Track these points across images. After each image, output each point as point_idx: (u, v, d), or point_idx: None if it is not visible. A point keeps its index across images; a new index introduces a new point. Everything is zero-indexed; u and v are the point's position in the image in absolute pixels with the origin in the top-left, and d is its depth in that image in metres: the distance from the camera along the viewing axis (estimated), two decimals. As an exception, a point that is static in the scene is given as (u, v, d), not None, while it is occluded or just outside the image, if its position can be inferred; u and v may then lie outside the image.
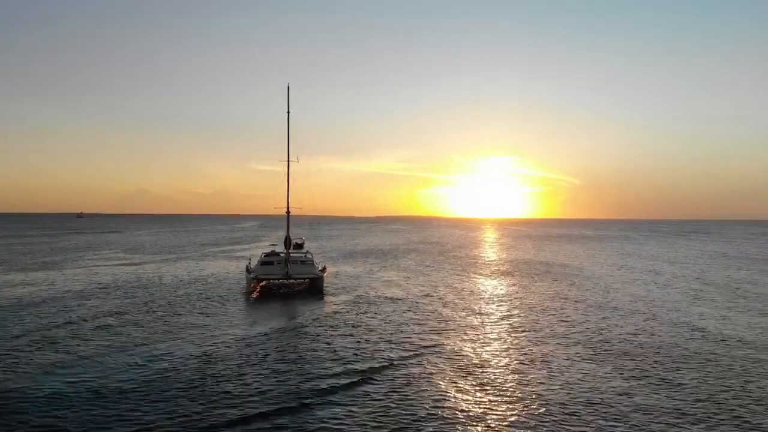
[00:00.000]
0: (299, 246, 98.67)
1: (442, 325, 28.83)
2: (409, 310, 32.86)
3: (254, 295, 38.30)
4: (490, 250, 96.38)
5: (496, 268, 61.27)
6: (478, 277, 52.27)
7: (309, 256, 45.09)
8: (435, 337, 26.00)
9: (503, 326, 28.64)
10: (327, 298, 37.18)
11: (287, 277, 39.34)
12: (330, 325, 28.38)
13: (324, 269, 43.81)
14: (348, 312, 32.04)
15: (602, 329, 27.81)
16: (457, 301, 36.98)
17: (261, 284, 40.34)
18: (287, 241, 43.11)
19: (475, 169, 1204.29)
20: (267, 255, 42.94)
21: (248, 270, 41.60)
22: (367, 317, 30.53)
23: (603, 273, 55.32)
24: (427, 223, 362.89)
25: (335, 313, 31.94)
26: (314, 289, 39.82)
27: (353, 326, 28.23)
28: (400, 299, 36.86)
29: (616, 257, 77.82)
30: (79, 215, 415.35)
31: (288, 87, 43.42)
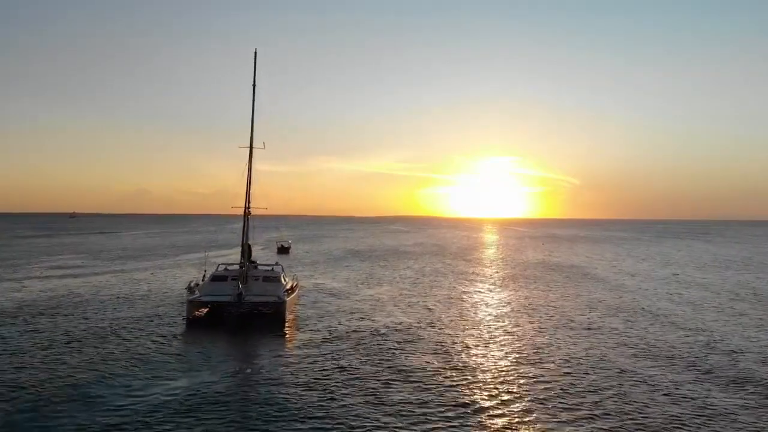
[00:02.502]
0: (285, 249, 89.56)
1: (453, 391, 19.12)
2: (402, 359, 23.15)
3: (191, 317, 28.96)
4: (497, 255, 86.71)
5: (510, 279, 51.58)
6: (491, 294, 42.61)
7: (277, 269, 35.46)
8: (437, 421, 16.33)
9: (537, 391, 18.97)
10: (288, 334, 27.38)
11: (239, 301, 29.30)
12: (271, 395, 18.63)
13: (293, 288, 33.89)
14: (308, 365, 22.16)
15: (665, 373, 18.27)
16: (470, 340, 27.32)
17: (205, 309, 30.27)
18: (245, 251, 33.42)
19: (475, 169, 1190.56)
20: (242, 266, 33.50)
21: (190, 289, 31.50)
22: (338, 374, 20.77)
23: (633, 284, 45.60)
24: (427, 223, 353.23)
25: (290, 364, 22.21)
26: (275, 317, 29.71)
27: (305, 407, 18.48)
28: (390, 334, 27.13)
29: (636, 262, 68.07)
30: (72, 215, 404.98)
31: (255, 53, 33.92)
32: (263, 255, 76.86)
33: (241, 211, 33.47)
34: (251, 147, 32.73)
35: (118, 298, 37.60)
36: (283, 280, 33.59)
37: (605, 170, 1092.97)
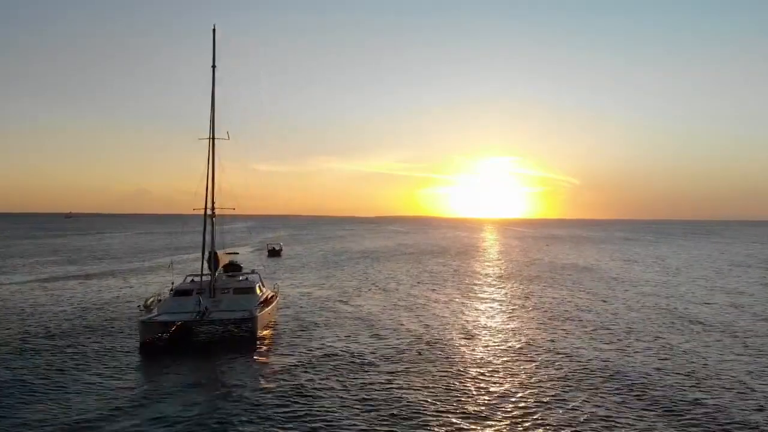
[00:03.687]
0: (276, 252, 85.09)
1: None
2: (389, 393, 18.79)
3: (145, 340, 24.19)
4: (500, 259, 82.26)
5: (518, 288, 47.23)
6: (498, 307, 38.25)
7: (253, 278, 31.18)
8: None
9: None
10: (258, 357, 23.05)
11: (201, 319, 24.93)
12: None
13: (270, 299, 29.44)
14: (278, 399, 17.90)
15: None
16: (473, 372, 23.02)
17: (162, 331, 25.65)
18: (211, 260, 29.09)
19: (475, 169, 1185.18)
20: (203, 277, 29.14)
21: (147, 307, 26.94)
22: (312, 414, 16.46)
23: (654, 291, 41.06)
24: (427, 223, 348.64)
25: (256, 396, 17.93)
26: (244, 336, 25.40)
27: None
28: (377, 361, 22.74)
29: (647, 265, 63.54)
30: (68, 215, 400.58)
31: (214, 30, 29.76)
32: (252, 258, 72.80)
33: (201, 212, 29.06)
34: (212, 138, 28.46)
35: (73, 309, 33.25)
36: (258, 290, 29.22)
37: (605, 170, 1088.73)
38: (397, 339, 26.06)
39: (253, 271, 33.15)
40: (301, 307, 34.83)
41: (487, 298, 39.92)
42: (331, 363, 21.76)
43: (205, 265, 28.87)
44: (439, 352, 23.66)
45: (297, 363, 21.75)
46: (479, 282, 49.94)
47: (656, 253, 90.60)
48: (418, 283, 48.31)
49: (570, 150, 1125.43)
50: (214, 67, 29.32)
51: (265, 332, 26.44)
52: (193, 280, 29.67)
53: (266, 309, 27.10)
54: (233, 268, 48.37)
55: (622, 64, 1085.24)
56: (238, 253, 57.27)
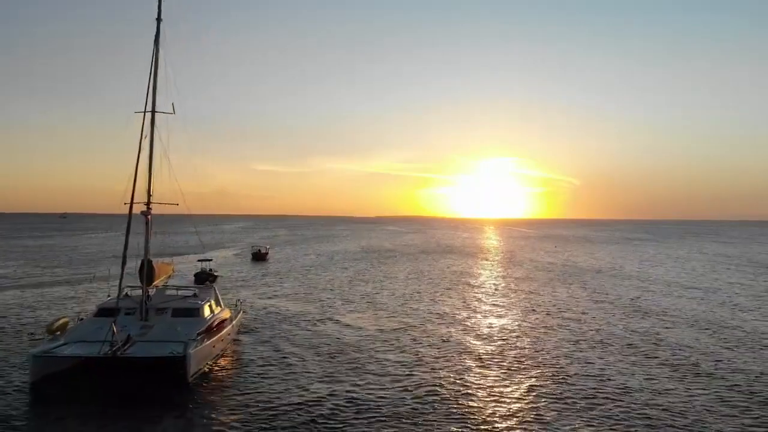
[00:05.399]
0: (262, 255, 77.01)
1: None
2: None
3: (37, 380, 17.62)
4: (509, 263, 75.59)
5: (536, 299, 40.61)
6: (513, 331, 31.62)
7: (204, 294, 24.45)
8: None
9: None
10: (186, 417, 16.20)
11: (113, 355, 18.04)
12: None
13: (221, 324, 22.35)
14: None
15: None
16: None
17: (64, 366, 18.75)
18: (143, 270, 22.48)
19: (475, 169, 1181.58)
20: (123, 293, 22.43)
21: (51, 332, 20.16)
22: None
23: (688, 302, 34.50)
24: (427, 223, 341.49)
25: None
26: (171, 379, 18.25)
27: None
28: (362, 422, 16.15)
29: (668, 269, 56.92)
30: (62, 215, 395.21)
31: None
32: (232, 263, 66.43)
33: (138, 207, 22.45)
34: (153, 111, 21.87)
35: (-14, 331, 26.67)
36: (207, 310, 22.52)
37: (605, 170, 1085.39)
38: (389, 383, 19.27)
39: (207, 283, 26.52)
40: (270, 330, 27.80)
41: (496, 316, 33.25)
42: (293, 426, 15.17)
43: (133, 279, 22.27)
44: (445, 406, 17.01)
45: (243, 424, 15.18)
46: (487, 292, 43.27)
47: (664, 255, 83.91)
48: (417, 293, 41.60)
49: (570, 150, 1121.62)
50: (159, 20, 22.77)
51: (204, 374, 19.33)
52: (127, 295, 23.00)
53: (208, 342, 19.98)
54: (204, 276, 41.49)
55: (622, 64, 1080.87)
56: (211, 260, 50.27)
